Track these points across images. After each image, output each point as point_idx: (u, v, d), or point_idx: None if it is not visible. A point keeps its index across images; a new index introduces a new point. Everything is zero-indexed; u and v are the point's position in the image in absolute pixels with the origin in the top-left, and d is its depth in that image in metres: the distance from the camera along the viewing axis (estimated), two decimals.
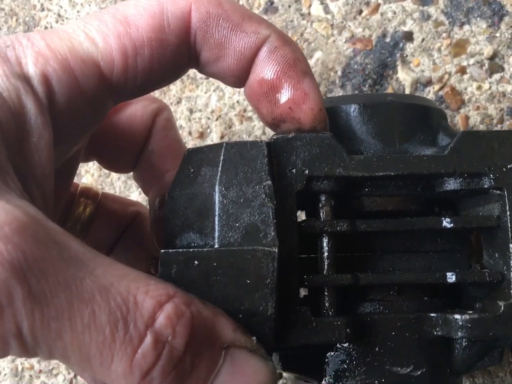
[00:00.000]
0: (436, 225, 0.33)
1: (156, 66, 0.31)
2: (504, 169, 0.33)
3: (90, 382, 0.34)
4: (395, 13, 0.49)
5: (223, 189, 0.31)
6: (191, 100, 0.50)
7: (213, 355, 0.27)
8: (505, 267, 0.33)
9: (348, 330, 0.31)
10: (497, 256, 0.33)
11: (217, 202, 0.30)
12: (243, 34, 0.32)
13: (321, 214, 0.33)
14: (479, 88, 0.47)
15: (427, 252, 0.36)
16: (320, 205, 0.33)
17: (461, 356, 0.34)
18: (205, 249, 0.30)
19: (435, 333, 0.33)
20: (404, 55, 0.48)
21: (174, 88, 0.51)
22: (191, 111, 0.50)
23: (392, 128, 0.35)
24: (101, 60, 0.30)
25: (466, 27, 0.48)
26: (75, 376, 0.48)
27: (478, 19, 0.48)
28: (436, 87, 0.48)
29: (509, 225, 0.32)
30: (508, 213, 0.33)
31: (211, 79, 0.50)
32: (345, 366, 0.33)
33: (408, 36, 0.49)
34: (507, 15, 0.48)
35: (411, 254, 0.35)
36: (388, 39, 0.49)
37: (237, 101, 0.50)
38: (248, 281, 0.29)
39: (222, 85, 0.50)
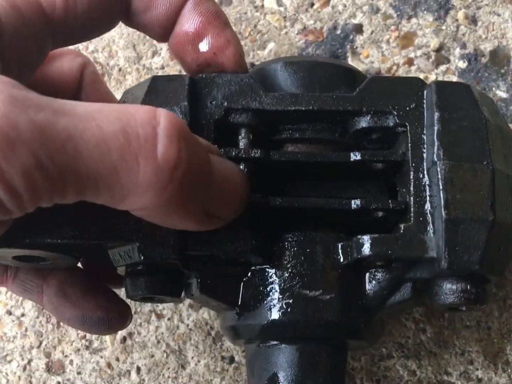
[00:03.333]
0: (345, 158, 0.35)
1: (94, 10, 0.33)
2: (407, 108, 0.35)
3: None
4: (345, 6, 0.50)
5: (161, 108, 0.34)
6: None
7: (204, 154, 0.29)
8: (407, 196, 0.34)
9: (254, 242, 0.34)
10: (403, 190, 0.35)
11: None
12: None
13: (240, 145, 0.35)
14: (426, 79, 0.49)
15: (347, 199, 0.37)
16: (240, 138, 0.36)
17: (372, 290, 0.35)
18: None
19: (343, 260, 0.35)
20: (354, 47, 0.50)
21: (130, 78, 0.51)
22: None
23: (314, 81, 0.37)
24: (43, 1, 0.32)
25: (414, 20, 0.49)
26: (29, 362, 0.49)
27: (425, 12, 0.49)
28: None
29: (410, 158, 0.35)
30: (409, 146, 0.35)
31: (166, 68, 0.51)
32: (259, 290, 0.35)
33: (358, 29, 0.50)
34: (452, 8, 0.49)
35: (328, 193, 0.37)
36: (338, 31, 0.50)
37: None
38: None
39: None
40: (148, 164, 0.25)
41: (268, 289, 0.35)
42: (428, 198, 0.34)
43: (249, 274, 0.36)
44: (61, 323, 0.49)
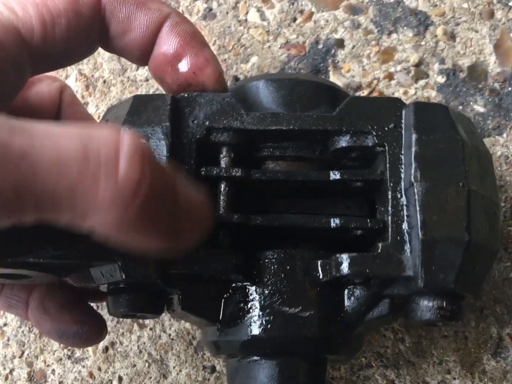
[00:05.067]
0: (325, 177, 0.36)
1: (73, 36, 0.34)
2: (386, 128, 0.36)
3: None
4: (327, 21, 0.51)
5: (127, 128, 0.34)
6: None
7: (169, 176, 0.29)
8: (385, 215, 0.35)
9: (235, 261, 0.34)
10: (382, 209, 0.36)
11: None
12: (147, 10, 0.35)
13: (221, 164, 0.36)
14: (405, 93, 0.50)
15: (327, 216, 0.37)
16: (221, 156, 0.36)
17: (350, 306, 0.36)
18: None
19: (323, 278, 0.35)
20: (336, 61, 0.51)
21: (115, 89, 0.52)
22: None
23: (295, 99, 0.37)
24: (21, 28, 0.32)
25: (394, 35, 0.51)
26: (10, 371, 0.49)
27: (405, 28, 0.51)
28: (366, 92, 0.50)
29: (388, 177, 0.35)
30: (387, 166, 0.35)
31: (150, 81, 0.52)
32: (239, 307, 0.36)
33: (340, 43, 0.51)
34: (432, 25, 0.50)
35: (308, 211, 0.37)
36: (320, 46, 0.51)
37: None
38: None
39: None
40: (108, 183, 0.25)
41: (249, 305, 0.36)
42: (405, 218, 0.34)
43: (230, 291, 0.36)
44: None
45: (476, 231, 0.34)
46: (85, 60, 0.52)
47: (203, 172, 0.35)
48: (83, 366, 0.49)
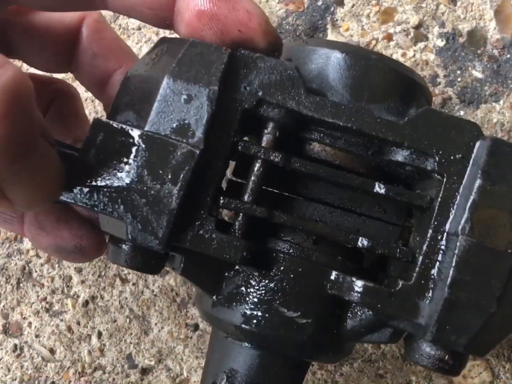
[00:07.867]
0: (369, 186, 0.33)
1: None
2: (451, 157, 0.32)
3: None
4: None
5: (171, 79, 0.31)
6: None
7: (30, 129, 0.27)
8: (418, 250, 0.32)
9: (245, 253, 0.32)
10: (418, 239, 0.33)
11: (161, 89, 0.31)
12: None
13: (263, 141, 0.33)
14: (403, 55, 0.49)
15: (360, 215, 0.35)
16: (265, 132, 0.32)
17: (351, 323, 0.34)
18: (133, 129, 0.30)
19: (330, 290, 0.33)
20: (335, 19, 0.50)
21: None
22: None
23: (364, 85, 0.34)
24: None
25: None
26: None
27: None
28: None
29: (435, 212, 0.32)
30: (439, 199, 0.32)
31: (143, 30, 0.50)
32: (239, 290, 0.34)
33: (339, 1, 0.50)
34: None
35: (343, 212, 0.35)
36: (320, 3, 0.50)
37: None
38: (161, 172, 0.30)
39: (154, 36, 0.50)
40: None
41: (249, 293, 0.34)
42: (437, 264, 0.32)
43: (234, 271, 0.34)
44: (21, 285, 0.47)
45: (507, 303, 0.31)
46: None
47: (240, 147, 0.32)
48: (61, 320, 0.47)
